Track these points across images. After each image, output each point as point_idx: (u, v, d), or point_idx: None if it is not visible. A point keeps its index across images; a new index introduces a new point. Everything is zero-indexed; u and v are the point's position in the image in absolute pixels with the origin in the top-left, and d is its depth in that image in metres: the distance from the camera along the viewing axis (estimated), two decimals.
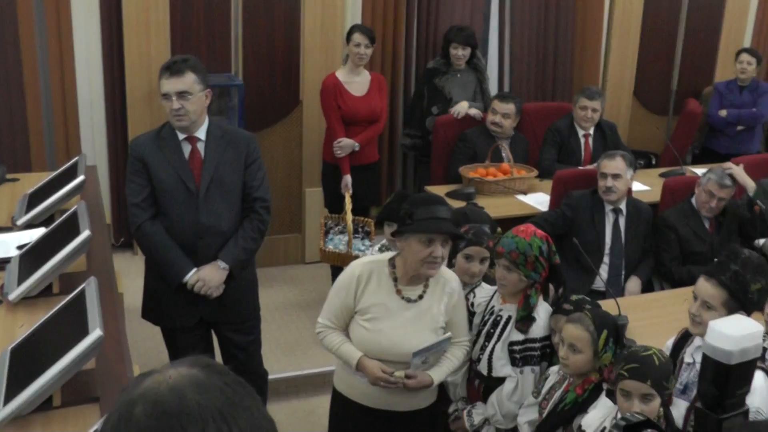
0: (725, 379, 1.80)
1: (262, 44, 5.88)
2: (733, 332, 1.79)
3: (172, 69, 3.46)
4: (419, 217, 2.98)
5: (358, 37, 5.32)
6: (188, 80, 3.46)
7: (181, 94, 3.45)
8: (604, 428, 2.72)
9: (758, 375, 2.78)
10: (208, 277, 3.59)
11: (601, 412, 2.78)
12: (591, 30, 7.04)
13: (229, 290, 3.70)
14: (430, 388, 3.15)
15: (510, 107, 5.54)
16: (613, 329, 2.87)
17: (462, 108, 5.76)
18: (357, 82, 5.42)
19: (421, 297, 3.12)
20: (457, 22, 6.33)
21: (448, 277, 3.18)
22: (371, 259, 3.22)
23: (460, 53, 5.94)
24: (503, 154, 5.55)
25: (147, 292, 3.81)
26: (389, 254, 3.19)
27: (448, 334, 3.14)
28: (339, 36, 5.80)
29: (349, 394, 3.22)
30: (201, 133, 3.59)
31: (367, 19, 6.14)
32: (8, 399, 2.20)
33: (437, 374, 3.13)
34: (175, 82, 3.46)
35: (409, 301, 3.10)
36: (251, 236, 3.69)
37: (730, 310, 2.85)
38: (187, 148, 3.58)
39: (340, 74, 5.43)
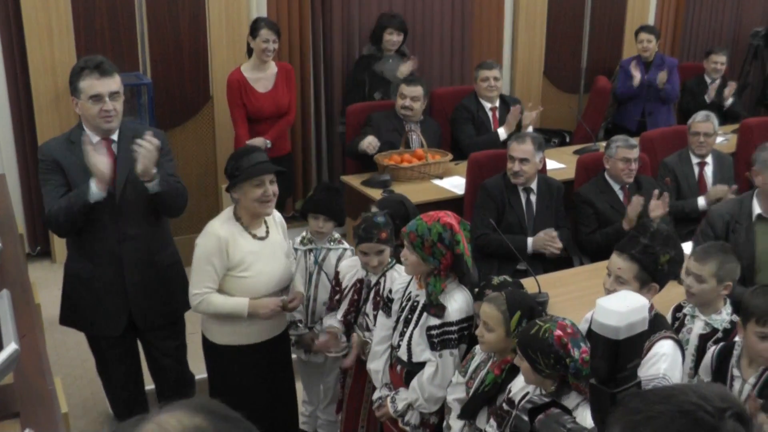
0: (615, 354, 1.86)
1: (168, 41, 5.83)
2: (619, 308, 1.84)
3: (101, 69, 3.38)
4: (245, 166, 3.42)
5: (265, 33, 5.30)
6: (117, 80, 3.43)
7: (113, 95, 3.41)
8: (527, 393, 2.80)
9: (667, 343, 2.89)
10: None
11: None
12: (490, 11, 7.13)
13: (155, 286, 3.68)
14: None
15: (418, 89, 5.57)
16: (528, 310, 2.95)
17: (369, 144, 5.44)
18: (263, 78, 5.43)
19: (267, 233, 3.59)
20: (360, 9, 6.38)
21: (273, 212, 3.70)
22: (219, 220, 3.55)
23: (395, 39, 6.10)
24: (413, 137, 5.62)
25: (67, 298, 3.73)
26: (228, 212, 3.56)
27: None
28: (245, 29, 5.75)
29: (233, 341, 3.59)
30: (114, 135, 3.54)
31: (272, 9, 6.12)
32: None
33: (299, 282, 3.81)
34: (108, 83, 3.40)
35: (262, 239, 3.55)
36: (175, 181, 3.63)
37: (643, 282, 2.96)
38: (101, 151, 3.46)
39: (246, 69, 5.42)
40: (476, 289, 3.28)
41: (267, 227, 3.61)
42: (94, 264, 3.61)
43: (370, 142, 5.33)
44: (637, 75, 6.86)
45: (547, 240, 4.57)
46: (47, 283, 5.02)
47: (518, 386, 2.84)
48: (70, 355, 4.55)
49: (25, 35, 5.45)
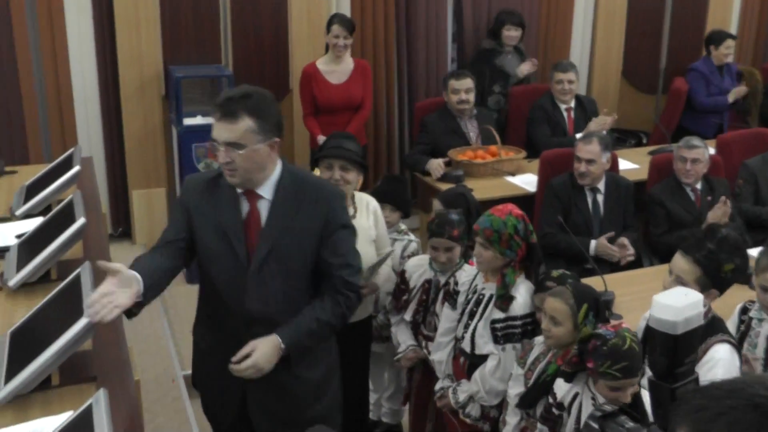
0: (673, 349, 1.88)
1: (250, 35, 6.00)
2: (675, 303, 1.85)
3: (223, 109, 2.61)
4: (325, 147, 3.48)
5: (336, 28, 5.45)
6: (241, 128, 2.59)
7: (232, 146, 2.61)
8: (576, 394, 2.82)
9: (723, 347, 2.86)
10: (263, 360, 2.67)
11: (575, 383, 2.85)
12: (558, 11, 7.10)
13: (281, 390, 2.85)
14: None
15: (468, 82, 5.57)
16: (593, 302, 2.92)
17: (437, 168, 5.35)
18: (337, 71, 5.56)
19: (353, 216, 3.51)
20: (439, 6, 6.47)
21: (368, 198, 3.66)
22: None
23: (513, 34, 6.28)
24: (471, 134, 5.63)
25: (193, 358, 3.12)
26: None
27: (390, 248, 3.76)
28: (324, 24, 5.89)
29: None
30: (265, 190, 2.74)
31: (356, 4, 6.23)
32: (9, 379, 2.31)
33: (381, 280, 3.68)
34: (224, 129, 2.61)
35: None
36: (324, 317, 2.77)
37: (703, 287, 2.89)
38: (245, 206, 2.75)
39: (321, 63, 5.56)
40: (537, 281, 3.30)
41: (355, 210, 3.58)
42: (215, 338, 2.88)
43: (436, 168, 5.31)
44: (731, 89, 6.77)
45: (612, 249, 4.52)
46: (126, 263, 5.19)
47: (563, 389, 2.85)
48: (142, 327, 4.70)
49: (115, 27, 5.69)
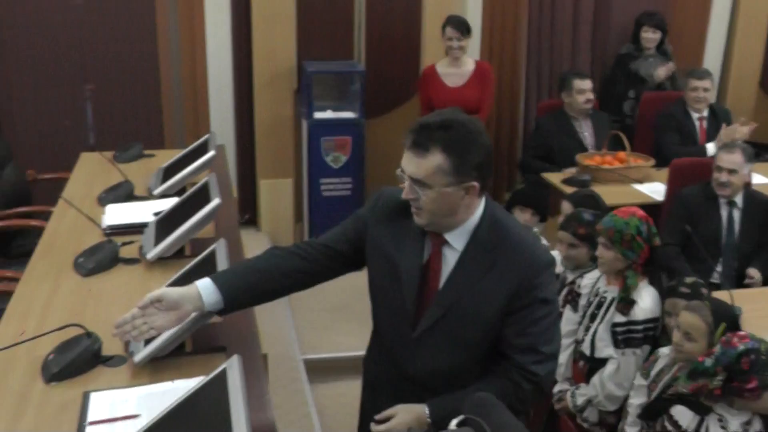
0: None
1: (383, 33, 6.09)
2: None
3: (414, 138, 2.18)
4: None
5: (449, 30, 5.43)
6: (430, 165, 2.15)
7: (417, 183, 2.19)
8: (702, 420, 2.74)
9: None
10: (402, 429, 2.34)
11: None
12: (695, 13, 6.93)
13: None
14: None
15: (587, 83, 5.54)
16: (732, 322, 2.86)
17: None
18: (455, 74, 5.54)
19: None
20: (576, 8, 6.40)
21: None
22: None
23: (650, 36, 6.15)
24: (586, 134, 5.57)
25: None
26: None
27: None
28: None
29: None
30: (455, 237, 2.28)
31: (487, 6, 6.25)
32: (147, 342, 2.42)
33: None
34: (411, 161, 2.19)
35: None
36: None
37: None
38: (427, 249, 2.33)
39: (440, 65, 5.56)
40: (668, 285, 3.24)
41: None
42: (375, 375, 2.60)
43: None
44: None
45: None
46: (251, 249, 5.35)
47: (687, 417, 2.78)
48: (268, 313, 4.78)
49: (252, 22, 5.86)
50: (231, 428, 1.74)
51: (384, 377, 2.49)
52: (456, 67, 5.55)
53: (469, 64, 5.60)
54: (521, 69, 6.53)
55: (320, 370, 4.51)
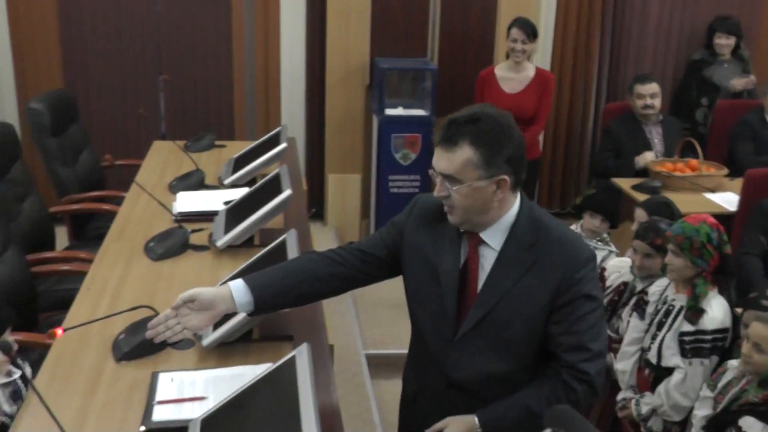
0: None
1: (457, 32, 6.09)
2: None
3: (443, 133, 2.15)
4: None
5: (515, 32, 5.20)
6: (459, 159, 2.12)
7: (447, 178, 2.16)
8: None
9: None
10: None
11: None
12: None
13: None
14: None
15: (654, 86, 5.38)
16: None
17: (646, 158, 5.32)
18: (513, 79, 5.30)
19: None
20: (645, 13, 6.31)
21: None
22: None
23: (723, 42, 6.01)
24: (655, 140, 5.46)
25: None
26: None
27: None
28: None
29: None
30: (491, 236, 2.24)
31: (561, 9, 6.21)
32: (215, 328, 2.46)
33: None
34: (441, 157, 2.15)
35: None
36: (537, 408, 2.21)
37: None
38: (463, 250, 2.28)
39: (499, 68, 5.36)
40: (748, 297, 3.16)
41: None
42: (418, 386, 2.50)
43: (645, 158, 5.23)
44: None
45: None
46: (317, 242, 5.40)
47: (756, 428, 2.71)
48: (332, 307, 4.81)
49: (327, 18, 5.91)
50: (299, 414, 1.76)
51: (428, 386, 2.42)
52: (516, 71, 5.32)
53: (530, 69, 5.35)
54: (593, 72, 6.47)
55: (382, 366, 4.53)
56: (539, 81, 5.32)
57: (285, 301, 2.35)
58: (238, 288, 2.25)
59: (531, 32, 5.22)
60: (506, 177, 2.14)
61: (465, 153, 2.10)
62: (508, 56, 5.34)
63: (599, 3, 6.30)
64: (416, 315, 2.39)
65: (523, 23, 5.25)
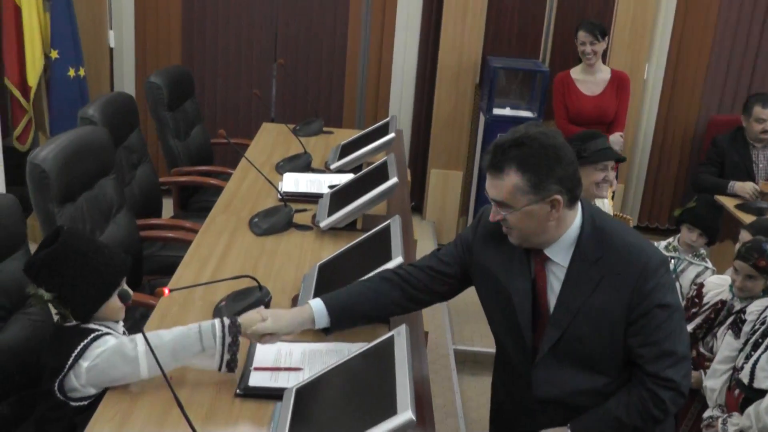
0: None
1: (571, 35, 5.99)
2: None
3: (489, 159, 2.15)
4: (592, 149, 3.26)
5: (582, 34, 5.15)
6: (506, 186, 2.12)
7: (499, 204, 2.17)
8: None
9: None
10: None
11: None
12: None
13: None
14: None
15: None
16: None
17: (745, 188, 5.09)
18: (590, 82, 5.25)
19: None
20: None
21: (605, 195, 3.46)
22: None
23: None
24: (760, 165, 5.25)
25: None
26: None
27: None
28: (648, 30, 5.86)
29: None
30: (556, 252, 2.22)
31: (680, 13, 6.10)
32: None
33: None
34: (490, 183, 2.17)
35: None
36: (626, 418, 2.24)
37: None
38: (532, 266, 2.28)
39: (575, 71, 5.30)
40: None
41: None
42: (508, 400, 2.51)
43: (748, 190, 5.04)
44: None
45: None
46: (416, 236, 5.44)
47: None
48: None
49: (442, 15, 5.94)
50: (395, 391, 1.78)
51: (516, 399, 2.43)
52: (590, 74, 5.25)
53: (604, 71, 5.30)
54: (702, 82, 6.32)
55: (468, 363, 4.54)
56: (616, 82, 5.27)
57: (357, 322, 2.43)
58: (320, 311, 2.33)
59: (599, 32, 5.16)
60: (559, 197, 2.12)
61: (512, 179, 2.10)
62: (581, 59, 5.28)
63: (716, 7, 6.14)
64: (496, 333, 2.43)
65: (588, 25, 5.20)
